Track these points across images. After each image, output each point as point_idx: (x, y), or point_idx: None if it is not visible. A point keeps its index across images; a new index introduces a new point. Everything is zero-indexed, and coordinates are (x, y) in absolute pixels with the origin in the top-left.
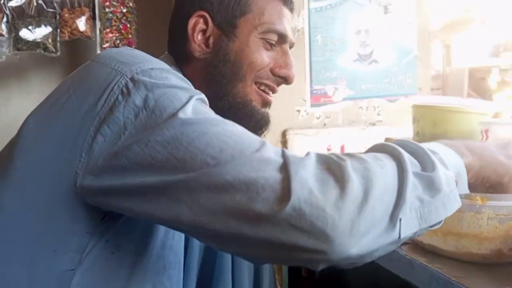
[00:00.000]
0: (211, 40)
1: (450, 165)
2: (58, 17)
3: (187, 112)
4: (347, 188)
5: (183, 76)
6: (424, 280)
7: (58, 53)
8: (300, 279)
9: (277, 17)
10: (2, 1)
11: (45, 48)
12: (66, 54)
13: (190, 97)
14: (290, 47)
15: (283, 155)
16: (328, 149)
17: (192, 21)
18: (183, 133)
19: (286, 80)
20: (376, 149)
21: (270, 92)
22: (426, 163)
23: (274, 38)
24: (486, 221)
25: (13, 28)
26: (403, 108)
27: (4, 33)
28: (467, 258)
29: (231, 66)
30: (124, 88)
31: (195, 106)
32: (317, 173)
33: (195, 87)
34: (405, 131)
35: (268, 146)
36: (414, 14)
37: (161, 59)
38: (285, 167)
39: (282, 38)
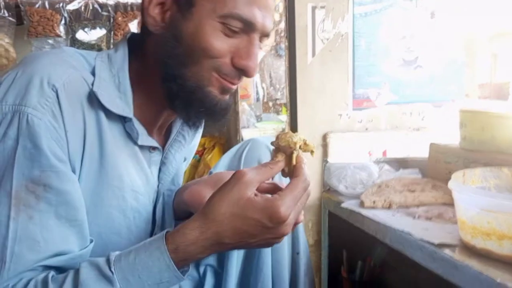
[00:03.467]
0: (167, 15)
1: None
2: (112, 20)
3: None
4: None
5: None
6: (467, 281)
7: None
8: (340, 280)
9: (246, 2)
10: (61, 5)
11: (99, 49)
12: None
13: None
14: (264, 36)
15: None
16: (370, 154)
17: None
18: None
19: (245, 72)
20: None
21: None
22: None
23: (237, 25)
24: None
25: (70, 30)
26: (449, 113)
27: (62, 34)
28: None
29: (184, 48)
30: None
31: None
32: None
33: (150, 69)
34: (449, 136)
35: None
36: (462, 20)
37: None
38: None
39: (248, 26)
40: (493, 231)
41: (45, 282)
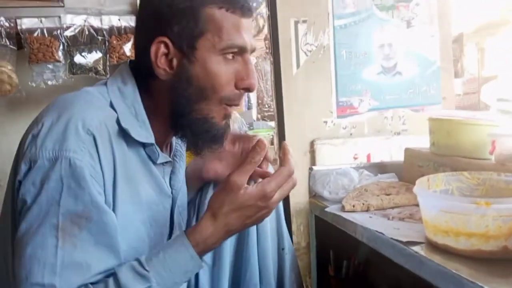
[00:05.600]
0: (174, 63)
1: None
2: (107, 44)
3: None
4: None
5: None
6: (431, 273)
7: (108, 76)
8: (328, 278)
9: (235, 31)
10: (58, 31)
11: (96, 72)
12: None
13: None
14: (252, 52)
15: None
16: (355, 158)
17: (154, 48)
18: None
19: (249, 89)
20: None
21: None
22: None
23: (234, 51)
24: (492, 221)
25: (68, 55)
26: (426, 118)
27: (61, 59)
28: (477, 255)
29: (195, 89)
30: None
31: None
32: None
33: (159, 103)
34: (427, 139)
35: None
36: (437, 27)
37: (116, 77)
38: None
39: (241, 49)
40: (450, 229)
41: None
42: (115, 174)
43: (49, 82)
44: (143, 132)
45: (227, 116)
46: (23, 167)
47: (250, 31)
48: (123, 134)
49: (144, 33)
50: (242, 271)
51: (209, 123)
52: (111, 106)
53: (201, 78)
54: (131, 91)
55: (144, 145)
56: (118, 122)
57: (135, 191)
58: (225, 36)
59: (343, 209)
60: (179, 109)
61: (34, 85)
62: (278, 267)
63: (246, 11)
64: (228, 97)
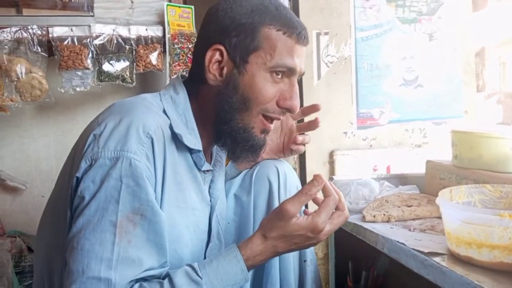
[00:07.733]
0: (224, 71)
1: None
2: (134, 53)
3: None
4: None
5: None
6: (453, 284)
7: (134, 84)
8: None
9: (288, 54)
10: (88, 40)
11: (123, 80)
12: (140, 84)
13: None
14: (300, 76)
15: None
16: (375, 169)
17: (209, 53)
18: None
19: (290, 111)
20: None
21: (273, 123)
22: None
23: (282, 70)
24: None
25: (97, 63)
26: (449, 131)
27: (89, 67)
28: (500, 268)
29: (239, 98)
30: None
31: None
32: None
33: (206, 109)
34: (448, 152)
35: None
36: (459, 40)
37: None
38: None
39: (290, 71)
40: (473, 240)
41: None
42: (164, 177)
43: (78, 89)
44: (193, 138)
45: (265, 131)
46: (83, 164)
47: (302, 58)
48: (175, 139)
49: (204, 41)
50: (263, 283)
51: (248, 133)
52: (164, 113)
53: (246, 89)
54: (183, 101)
55: (191, 151)
56: (171, 127)
57: (182, 195)
58: (277, 56)
59: (363, 219)
60: (222, 115)
61: (63, 91)
62: (300, 279)
63: (302, 38)
64: (267, 110)
